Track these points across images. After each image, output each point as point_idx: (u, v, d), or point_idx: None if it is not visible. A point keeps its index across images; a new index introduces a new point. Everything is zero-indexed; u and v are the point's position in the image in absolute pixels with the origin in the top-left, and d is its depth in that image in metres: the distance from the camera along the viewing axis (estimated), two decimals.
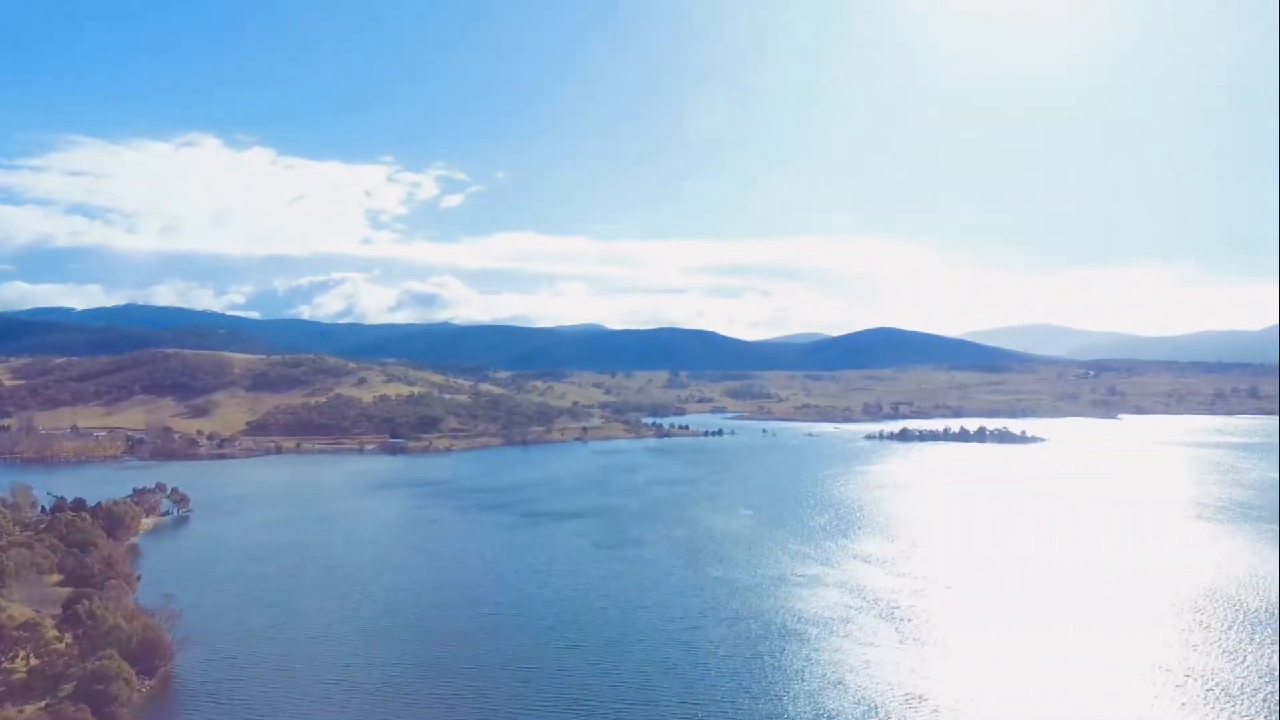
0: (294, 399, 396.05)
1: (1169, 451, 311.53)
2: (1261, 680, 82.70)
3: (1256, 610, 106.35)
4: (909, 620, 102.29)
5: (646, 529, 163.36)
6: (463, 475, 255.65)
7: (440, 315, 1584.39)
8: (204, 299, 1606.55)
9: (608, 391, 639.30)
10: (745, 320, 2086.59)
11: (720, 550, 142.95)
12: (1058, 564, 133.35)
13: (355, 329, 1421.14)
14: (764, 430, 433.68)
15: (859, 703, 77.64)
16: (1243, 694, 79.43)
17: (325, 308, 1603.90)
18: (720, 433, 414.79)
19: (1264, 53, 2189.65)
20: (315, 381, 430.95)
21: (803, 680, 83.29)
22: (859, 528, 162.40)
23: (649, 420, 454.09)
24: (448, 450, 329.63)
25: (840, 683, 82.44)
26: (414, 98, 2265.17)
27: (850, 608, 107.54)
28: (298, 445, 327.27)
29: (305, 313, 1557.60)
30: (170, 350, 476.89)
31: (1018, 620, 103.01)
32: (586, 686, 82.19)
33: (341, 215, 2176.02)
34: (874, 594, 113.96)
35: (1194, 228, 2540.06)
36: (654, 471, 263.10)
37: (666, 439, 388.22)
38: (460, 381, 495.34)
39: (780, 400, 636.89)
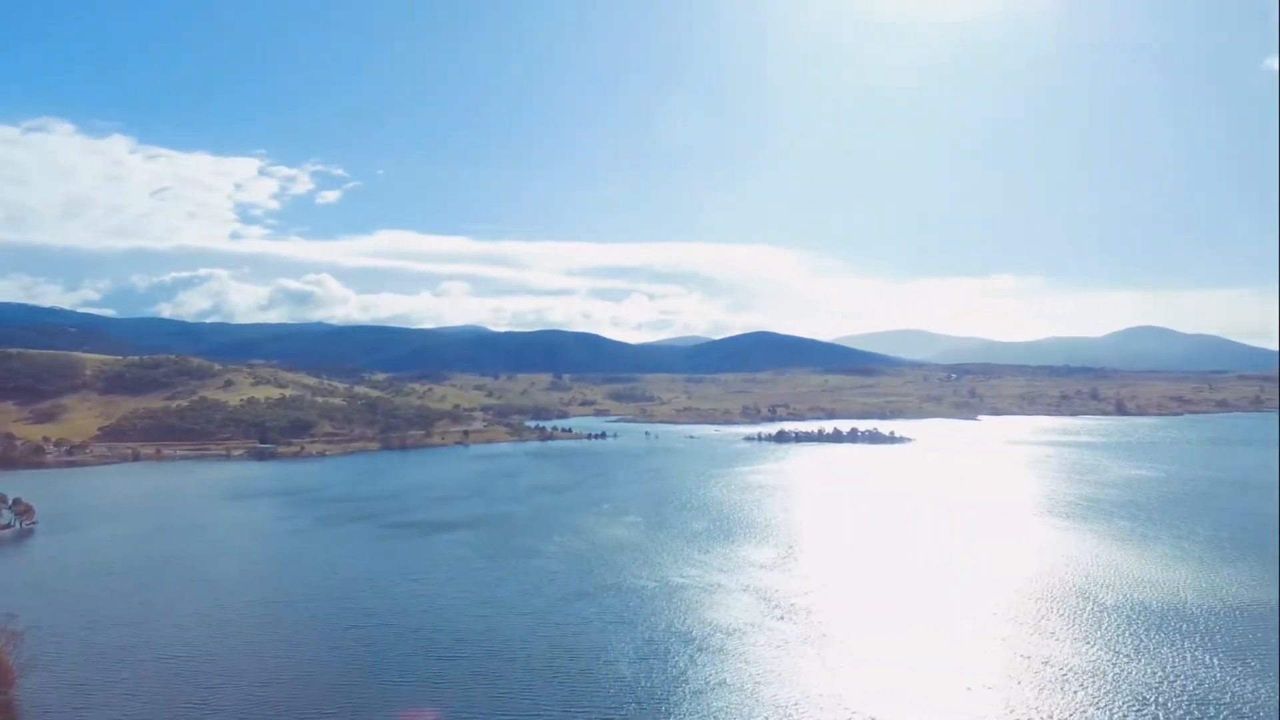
0: (153, 403, 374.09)
1: (1028, 451, 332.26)
2: (1109, 664, 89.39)
3: (1112, 603, 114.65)
4: (792, 619, 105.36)
5: (530, 535, 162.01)
6: (337, 481, 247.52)
7: (315, 315, 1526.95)
8: (52, 295, 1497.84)
9: (490, 394, 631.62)
10: (631, 323, 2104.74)
11: (606, 557, 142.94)
12: (930, 561, 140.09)
13: (222, 328, 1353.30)
14: (646, 433, 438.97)
15: (747, 702, 79.61)
16: (1093, 676, 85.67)
17: (189, 306, 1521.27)
18: (603, 435, 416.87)
19: (1113, 79, 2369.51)
20: (177, 384, 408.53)
21: (688, 683, 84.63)
22: (742, 531, 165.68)
23: (532, 423, 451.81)
24: (321, 455, 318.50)
25: (725, 683, 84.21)
26: (289, 89, 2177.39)
27: (736, 610, 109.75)
28: (158, 452, 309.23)
29: (167, 311, 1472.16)
30: (13, 350, 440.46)
31: (895, 615, 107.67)
32: (466, 698, 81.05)
33: (209, 209, 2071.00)
34: (760, 595, 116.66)
35: (1043, 243, 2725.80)
36: (537, 476, 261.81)
37: (550, 442, 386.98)
38: (335, 384, 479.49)
39: (662, 403, 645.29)
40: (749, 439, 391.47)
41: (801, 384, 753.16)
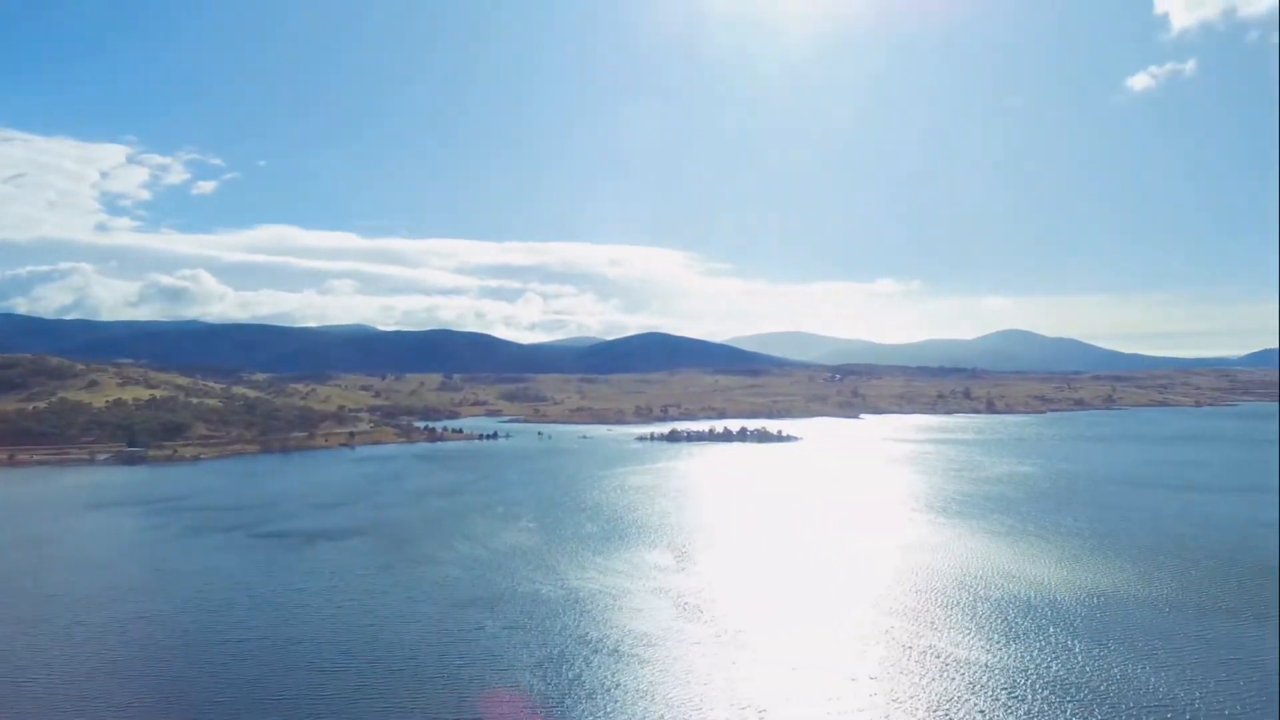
0: (6, 404, 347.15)
1: (908, 449, 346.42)
2: (984, 651, 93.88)
3: (987, 593, 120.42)
4: (687, 618, 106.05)
5: (419, 541, 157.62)
6: (212, 486, 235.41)
7: (190, 312, 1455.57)
8: None
9: (377, 394, 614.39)
10: (524, 323, 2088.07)
11: (499, 561, 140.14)
12: (819, 557, 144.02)
13: (86, 325, 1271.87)
14: (539, 433, 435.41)
15: (644, 703, 79.72)
16: (970, 664, 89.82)
17: (48, 301, 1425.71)
18: (495, 436, 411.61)
19: (982, 92, 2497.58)
20: (33, 384, 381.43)
21: (584, 686, 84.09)
22: (636, 532, 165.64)
23: (421, 424, 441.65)
24: (196, 459, 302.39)
25: (621, 685, 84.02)
26: (162, 71, 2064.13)
27: (631, 611, 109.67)
28: (10, 457, 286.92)
29: (23, 306, 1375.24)
30: None
31: (786, 611, 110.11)
32: (351, 713, 78.32)
33: (71, 198, 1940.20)
34: (656, 596, 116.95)
35: (922, 250, 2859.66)
36: (426, 479, 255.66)
37: (439, 444, 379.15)
38: (210, 384, 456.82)
39: (556, 403, 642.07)
40: (642, 439, 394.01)
41: (693, 384, 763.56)
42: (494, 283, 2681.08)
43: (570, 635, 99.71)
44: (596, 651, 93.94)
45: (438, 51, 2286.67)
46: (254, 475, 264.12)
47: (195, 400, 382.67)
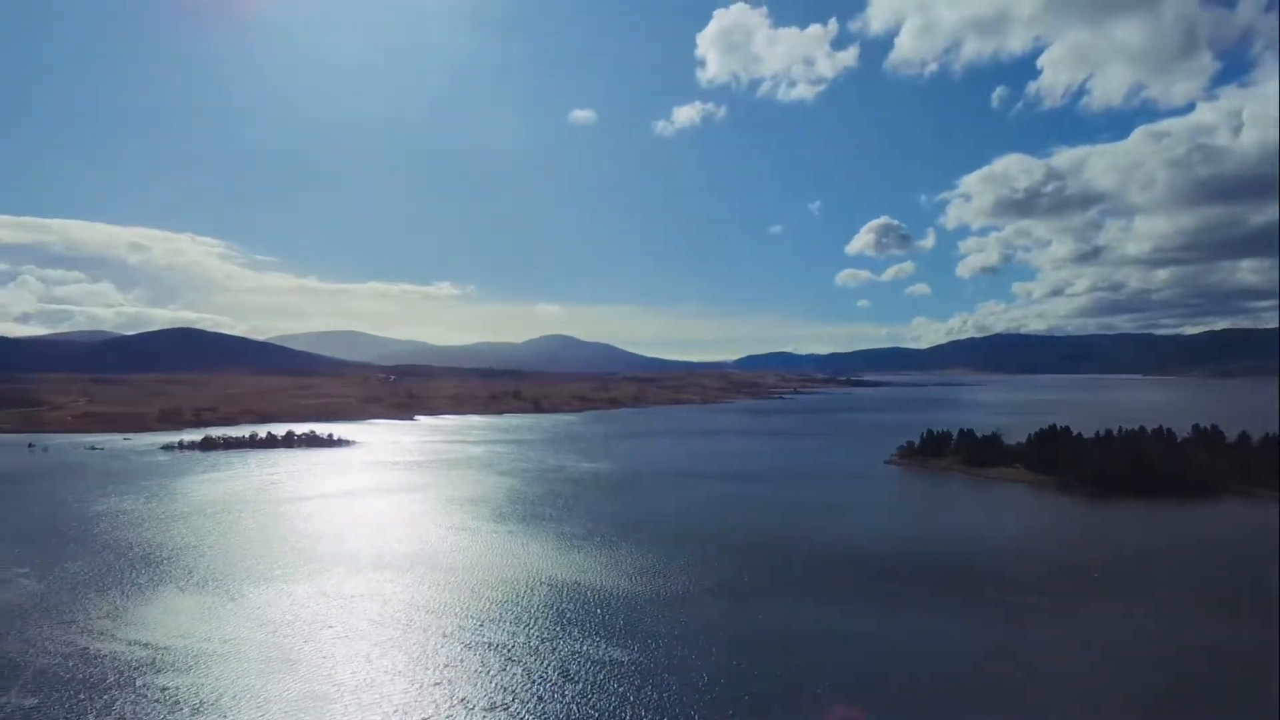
0: None
1: (463, 450, 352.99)
2: (539, 642, 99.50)
3: (537, 589, 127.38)
4: (233, 648, 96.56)
5: None
6: None
7: None
8: None
9: None
10: (12, 313, 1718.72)
11: None
12: (380, 565, 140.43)
13: None
14: (31, 445, 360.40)
15: None
16: (528, 653, 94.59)
17: None
18: None
19: (555, 112, 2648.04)
20: None
21: None
22: (153, 565, 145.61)
23: None
24: None
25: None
26: None
27: (154, 661, 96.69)
28: None
29: None
30: None
31: (350, 620, 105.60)
32: None
33: None
34: (211, 655, 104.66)
35: (477, 256, 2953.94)
36: None
37: None
38: None
39: (56, 409, 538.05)
40: (169, 448, 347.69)
41: (234, 385, 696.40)
42: None
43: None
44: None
45: None
46: None
47: None
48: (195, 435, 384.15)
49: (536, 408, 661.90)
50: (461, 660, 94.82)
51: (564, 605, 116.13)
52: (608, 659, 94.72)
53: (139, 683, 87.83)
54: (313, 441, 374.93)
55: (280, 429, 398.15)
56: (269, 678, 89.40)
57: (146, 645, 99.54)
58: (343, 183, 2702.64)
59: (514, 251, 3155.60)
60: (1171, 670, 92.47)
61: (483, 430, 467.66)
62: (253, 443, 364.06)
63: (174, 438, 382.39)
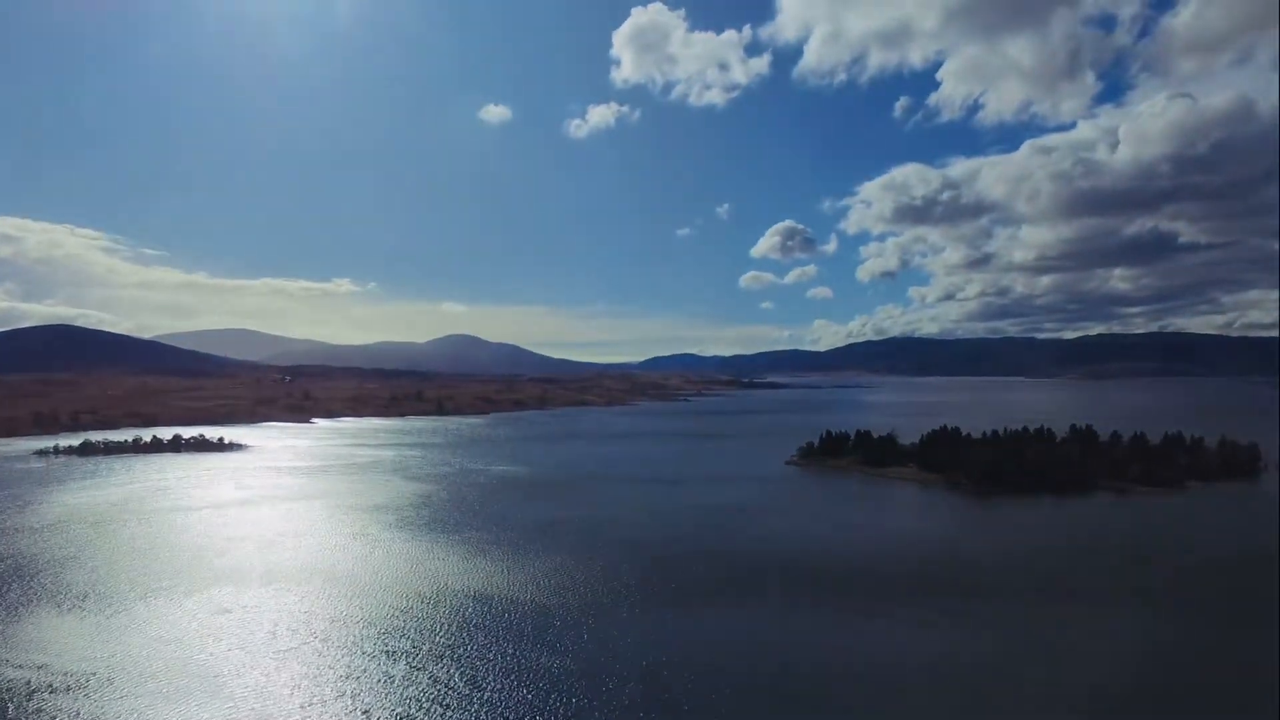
0: None
1: (360, 454, 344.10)
2: (462, 646, 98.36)
3: (444, 596, 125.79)
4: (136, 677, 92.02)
5: None
6: None
7: None
8: None
9: None
10: None
11: None
12: (281, 577, 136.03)
13: None
14: None
15: None
16: (446, 658, 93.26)
17: None
18: None
19: (465, 108, 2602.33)
20: None
21: None
22: (25, 584, 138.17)
23: None
24: None
25: None
26: None
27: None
28: None
29: None
30: None
31: (255, 636, 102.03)
32: None
33: None
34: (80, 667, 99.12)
35: (379, 253, 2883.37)
36: None
37: None
38: None
39: None
40: (44, 453, 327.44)
41: (114, 386, 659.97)
42: None
43: None
44: None
45: None
46: None
47: None
48: (73, 440, 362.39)
49: (439, 410, 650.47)
50: (365, 670, 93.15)
51: (470, 612, 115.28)
52: (517, 666, 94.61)
53: (10, 711, 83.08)
54: (202, 446, 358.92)
55: (166, 432, 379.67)
56: (158, 700, 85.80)
57: (22, 667, 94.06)
58: (238, 174, 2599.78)
59: (418, 248, 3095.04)
60: (1100, 665, 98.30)
61: (384, 433, 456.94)
62: (136, 447, 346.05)
63: (49, 442, 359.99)
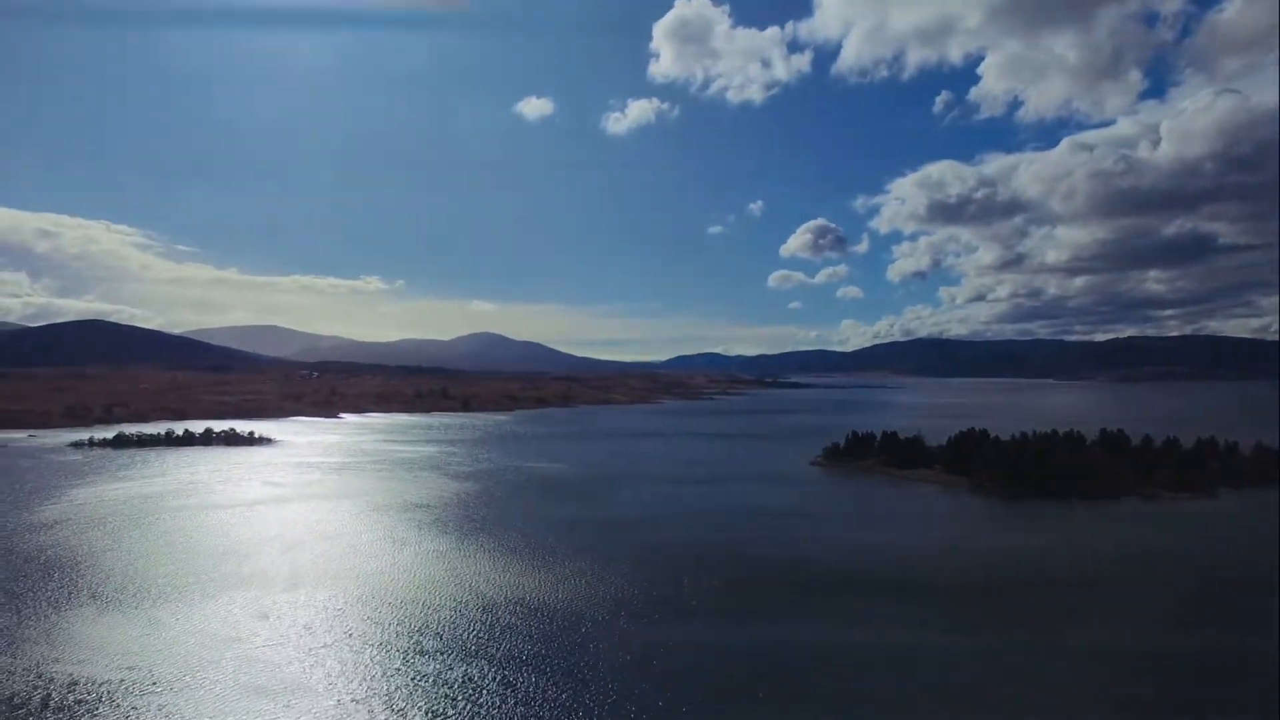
0: None
1: (389, 449, 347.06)
2: (478, 650, 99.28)
3: (453, 595, 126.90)
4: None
5: None
6: None
7: None
8: None
9: None
10: None
11: None
12: (308, 574, 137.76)
13: None
14: None
15: None
16: (463, 663, 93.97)
17: None
18: None
19: (499, 105, 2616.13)
20: None
21: None
22: (73, 580, 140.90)
23: None
24: None
25: None
26: None
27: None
28: None
29: None
30: None
31: (291, 633, 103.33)
32: None
33: None
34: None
35: (408, 252, 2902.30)
36: None
37: None
38: None
39: None
40: (79, 445, 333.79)
41: (145, 380, 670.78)
42: None
43: None
44: None
45: None
46: None
47: None
48: (107, 433, 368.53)
49: (465, 406, 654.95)
50: (399, 669, 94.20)
51: (500, 615, 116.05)
52: (549, 667, 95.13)
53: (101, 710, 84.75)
54: (232, 440, 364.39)
55: (198, 426, 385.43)
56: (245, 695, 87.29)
57: (126, 667, 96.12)
58: (270, 171, 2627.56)
59: (448, 245, 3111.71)
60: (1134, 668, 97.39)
61: (411, 430, 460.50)
62: (169, 440, 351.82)
63: (83, 434, 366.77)
